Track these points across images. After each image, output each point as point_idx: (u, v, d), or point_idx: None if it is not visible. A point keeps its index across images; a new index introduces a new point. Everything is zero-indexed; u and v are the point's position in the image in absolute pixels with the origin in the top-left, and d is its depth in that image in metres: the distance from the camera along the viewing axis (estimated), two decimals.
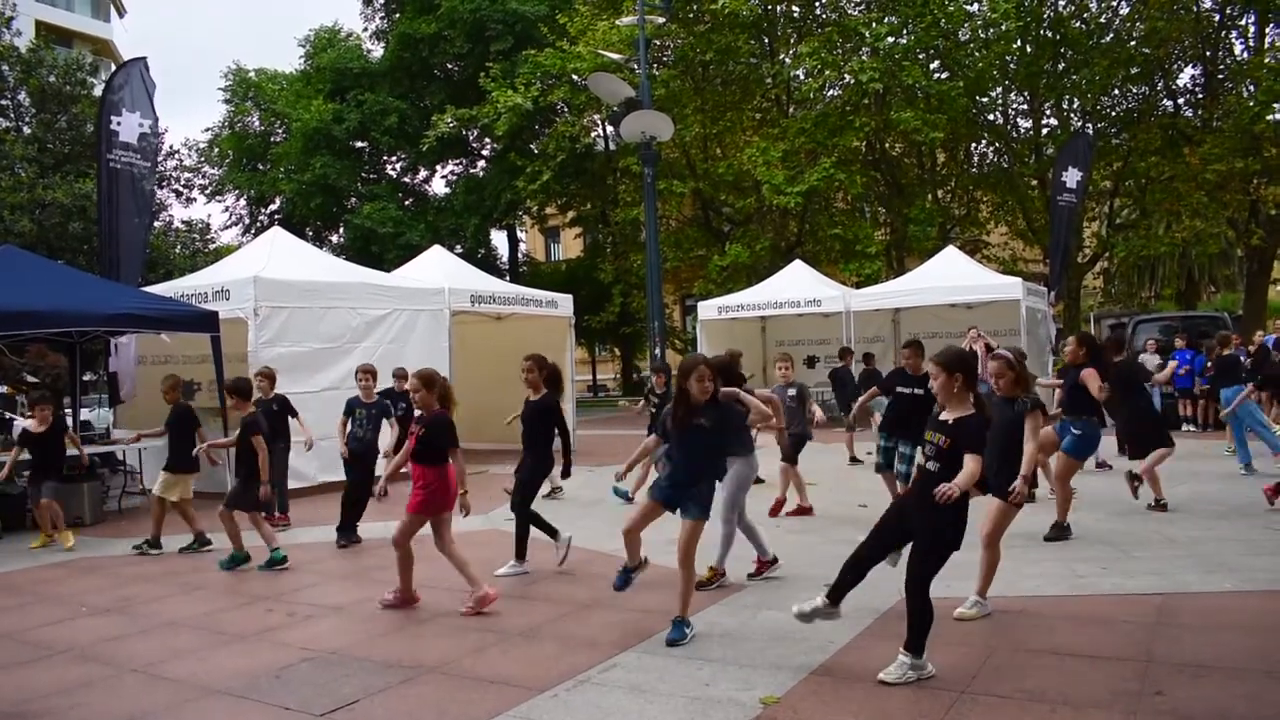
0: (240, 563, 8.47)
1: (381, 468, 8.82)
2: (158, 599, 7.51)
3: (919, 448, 5.15)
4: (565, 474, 8.16)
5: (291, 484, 11.06)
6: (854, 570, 5.15)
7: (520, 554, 7.80)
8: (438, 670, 5.40)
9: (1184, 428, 16.82)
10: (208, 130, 40.46)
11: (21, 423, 12.16)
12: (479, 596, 6.58)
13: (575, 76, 28.85)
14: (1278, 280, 42.69)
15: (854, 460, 13.68)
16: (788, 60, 28.72)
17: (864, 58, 26.15)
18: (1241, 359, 13.78)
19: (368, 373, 9.96)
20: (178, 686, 5.35)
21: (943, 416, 5.04)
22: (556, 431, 7.95)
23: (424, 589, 6.98)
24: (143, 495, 12.38)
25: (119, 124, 14.04)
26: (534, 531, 7.92)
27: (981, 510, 5.81)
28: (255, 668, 5.59)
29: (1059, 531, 8.07)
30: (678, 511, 5.80)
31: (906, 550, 5.10)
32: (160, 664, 5.78)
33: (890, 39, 26.26)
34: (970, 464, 4.80)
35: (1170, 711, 4.34)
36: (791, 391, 10.08)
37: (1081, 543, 7.91)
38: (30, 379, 16.79)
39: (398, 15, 37.61)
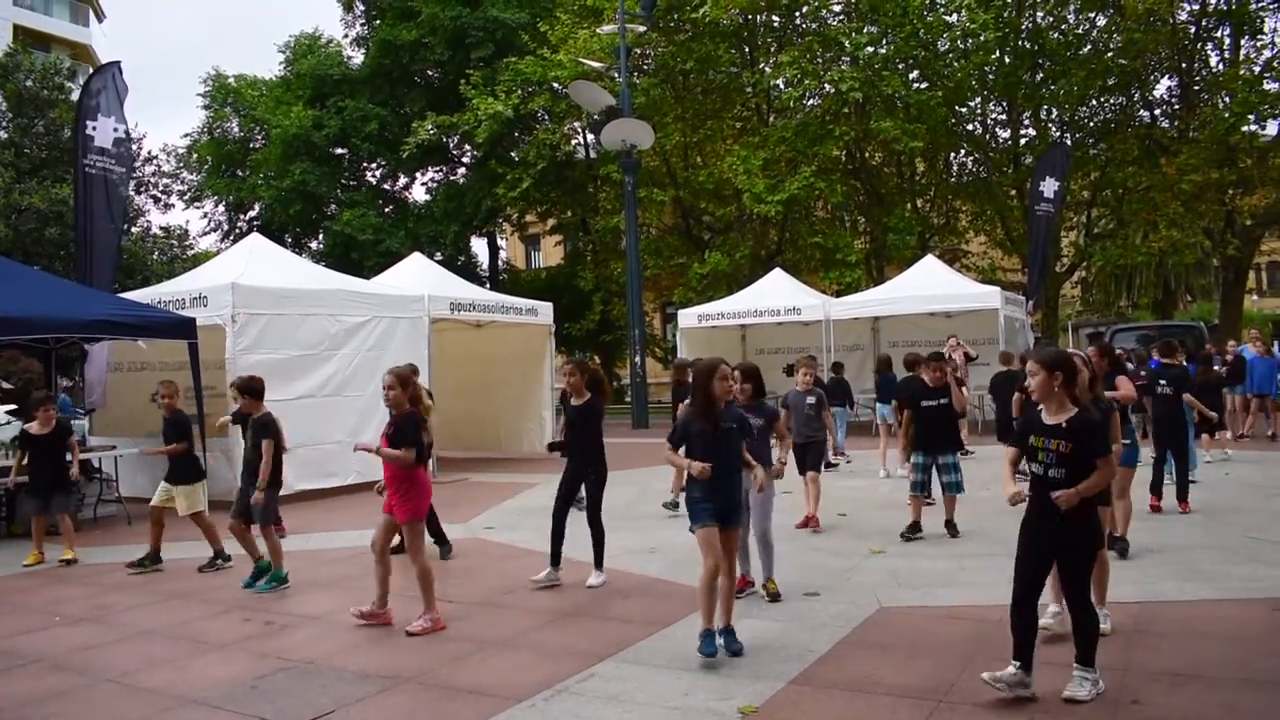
0: (280, 580, 7.95)
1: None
2: (134, 608, 7.44)
3: (1032, 461, 4.76)
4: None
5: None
6: (1022, 620, 4.71)
7: (599, 563, 7.56)
8: (415, 680, 5.37)
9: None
10: (187, 136, 40.19)
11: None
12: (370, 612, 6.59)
13: (556, 84, 28.88)
14: (1253, 290, 43.18)
15: (828, 465, 13.58)
16: (768, 69, 28.83)
17: (844, 67, 26.27)
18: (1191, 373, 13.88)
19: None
20: (153, 696, 5.30)
21: (1051, 421, 4.71)
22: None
23: (404, 598, 6.94)
24: (118, 503, 12.26)
25: (94, 129, 13.97)
26: (503, 537, 7.88)
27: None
28: (232, 677, 5.55)
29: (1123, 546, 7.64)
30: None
31: None
32: (135, 673, 5.73)
33: (870, 49, 26.39)
34: (1103, 467, 4.60)
35: (1147, 719, 4.37)
36: (811, 400, 9.83)
37: None
38: (3, 384, 16.64)
39: (378, 22, 37.51)
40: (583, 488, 7.66)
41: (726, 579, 5.54)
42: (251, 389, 8.31)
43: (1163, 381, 9.86)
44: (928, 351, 10.42)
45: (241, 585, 7.93)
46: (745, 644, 5.52)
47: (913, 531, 8.82)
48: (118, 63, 14.92)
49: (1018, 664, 4.65)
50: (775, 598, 6.63)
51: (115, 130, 14.26)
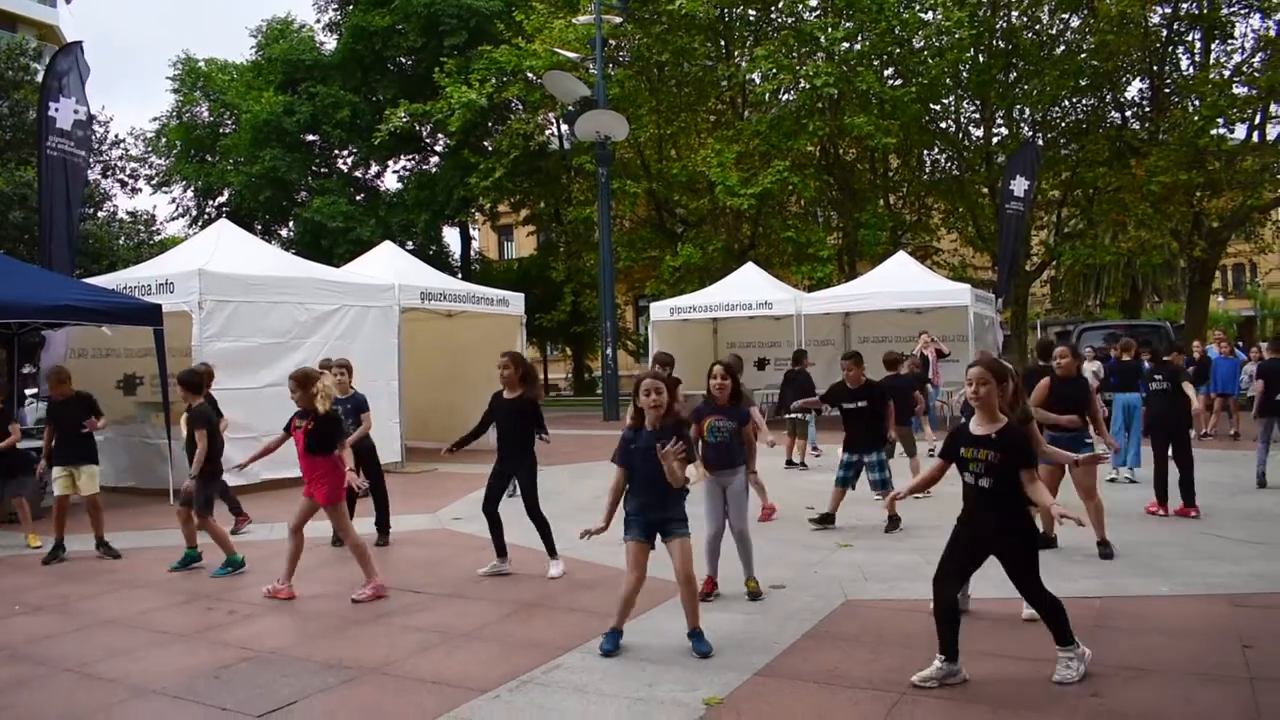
0: (236, 564, 8.02)
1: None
2: (94, 597, 7.36)
3: (963, 471, 4.88)
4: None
5: (238, 482, 10.81)
6: (948, 618, 4.87)
7: (551, 552, 7.57)
8: (379, 671, 5.34)
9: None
10: (155, 120, 39.81)
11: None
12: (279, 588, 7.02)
13: (530, 74, 28.77)
14: (1218, 291, 43.72)
15: (790, 464, 13.64)
16: (743, 63, 28.85)
17: (819, 62, 26.33)
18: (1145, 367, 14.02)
19: (343, 367, 9.58)
20: (112, 686, 5.25)
21: (980, 431, 4.83)
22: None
23: (403, 590, 6.91)
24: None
25: (56, 110, 13.77)
26: (462, 529, 7.85)
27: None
28: (193, 667, 5.49)
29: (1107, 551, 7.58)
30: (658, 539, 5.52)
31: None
32: (95, 663, 5.66)
33: (845, 44, 26.48)
34: (1034, 480, 4.72)
35: (1107, 713, 4.41)
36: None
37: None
38: None
39: (351, 7, 37.15)
40: (514, 485, 7.72)
41: (685, 588, 5.47)
42: (186, 381, 8.39)
43: (1158, 377, 9.77)
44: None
45: (169, 567, 8.14)
46: (710, 635, 5.51)
47: (823, 521, 9.05)
48: (79, 43, 14.72)
49: (942, 658, 4.80)
50: (754, 596, 6.59)
51: (76, 112, 14.08)
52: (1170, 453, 9.45)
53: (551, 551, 7.56)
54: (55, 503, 8.86)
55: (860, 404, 9.27)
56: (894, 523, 8.87)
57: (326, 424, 7.03)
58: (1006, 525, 4.78)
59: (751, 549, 6.72)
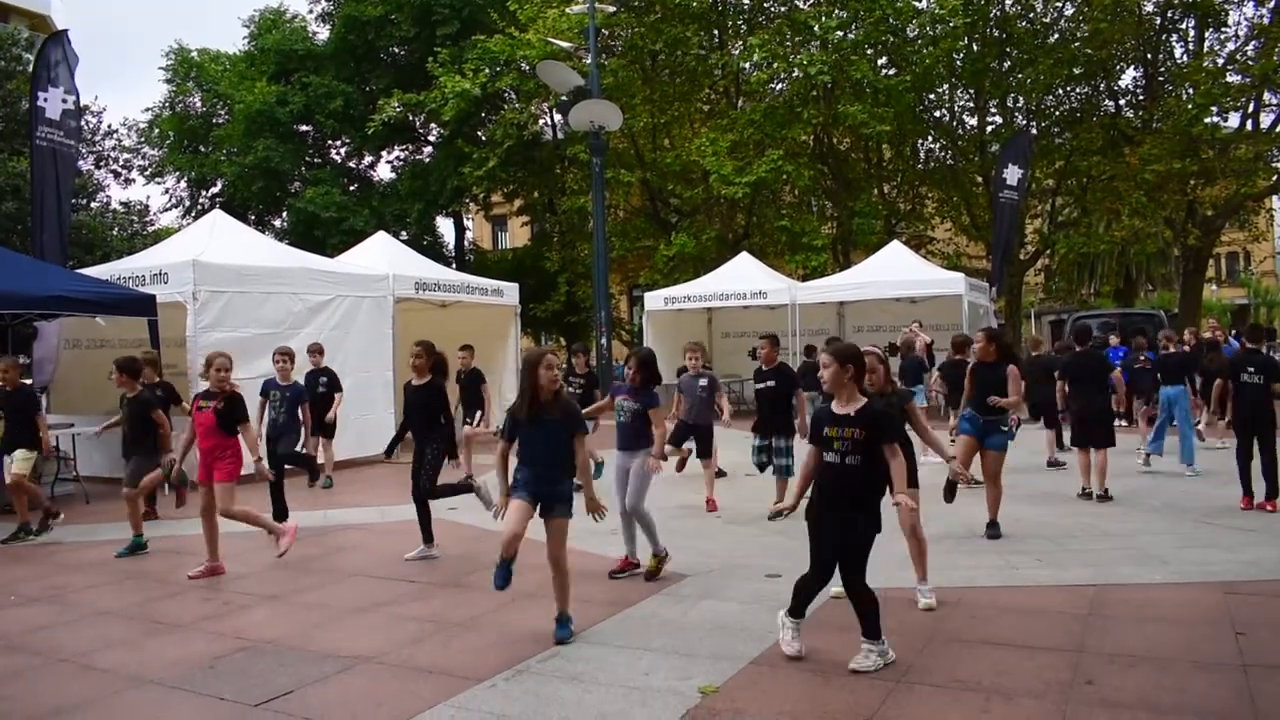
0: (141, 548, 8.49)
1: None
2: (90, 587, 7.36)
3: (828, 451, 4.95)
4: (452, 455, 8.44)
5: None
6: (804, 593, 5.16)
7: (427, 538, 7.94)
8: (375, 660, 5.35)
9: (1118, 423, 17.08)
10: (148, 110, 39.59)
11: None
12: (211, 566, 7.51)
13: (524, 64, 28.66)
14: (1212, 279, 43.80)
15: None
16: (737, 52, 28.77)
17: (813, 51, 26.27)
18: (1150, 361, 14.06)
19: (285, 354, 10.03)
20: (109, 677, 5.25)
21: (841, 411, 4.96)
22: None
23: (361, 578, 6.92)
24: (75, 482, 12.11)
25: (45, 100, 13.73)
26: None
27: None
28: (189, 658, 5.50)
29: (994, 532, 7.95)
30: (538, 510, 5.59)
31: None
32: (91, 654, 5.66)
33: (839, 33, 26.41)
34: (898, 454, 4.96)
35: (1100, 701, 4.43)
36: (703, 382, 9.77)
37: (1017, 536, 8.02)
38: None
39: None
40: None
41: (556, 571, 5.62)
42: (126, 367, 8.82)
43: (1250, 369, 9.26)
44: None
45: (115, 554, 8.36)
46: (706, 624, 5.53)
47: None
48: (66, 31, 14.66)
49: (790, 614, 5.16)
50: (651, 576, 6.79)
51: (64, 102, 14.03)
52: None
53: (427, 538, 7.94)
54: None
55: (769, 384, 9.29)
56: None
57: (233, 403, 7.50)
58: (860, 503, 4.91)
59: (651, 524, 6.86)
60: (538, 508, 5.55)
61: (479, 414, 11.64)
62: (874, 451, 4.87)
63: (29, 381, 12.22)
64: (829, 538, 4.98)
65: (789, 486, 9.06)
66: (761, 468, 9.33)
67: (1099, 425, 9.81)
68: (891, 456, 4.92)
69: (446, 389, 8.15)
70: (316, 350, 12.30)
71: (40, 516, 9.40)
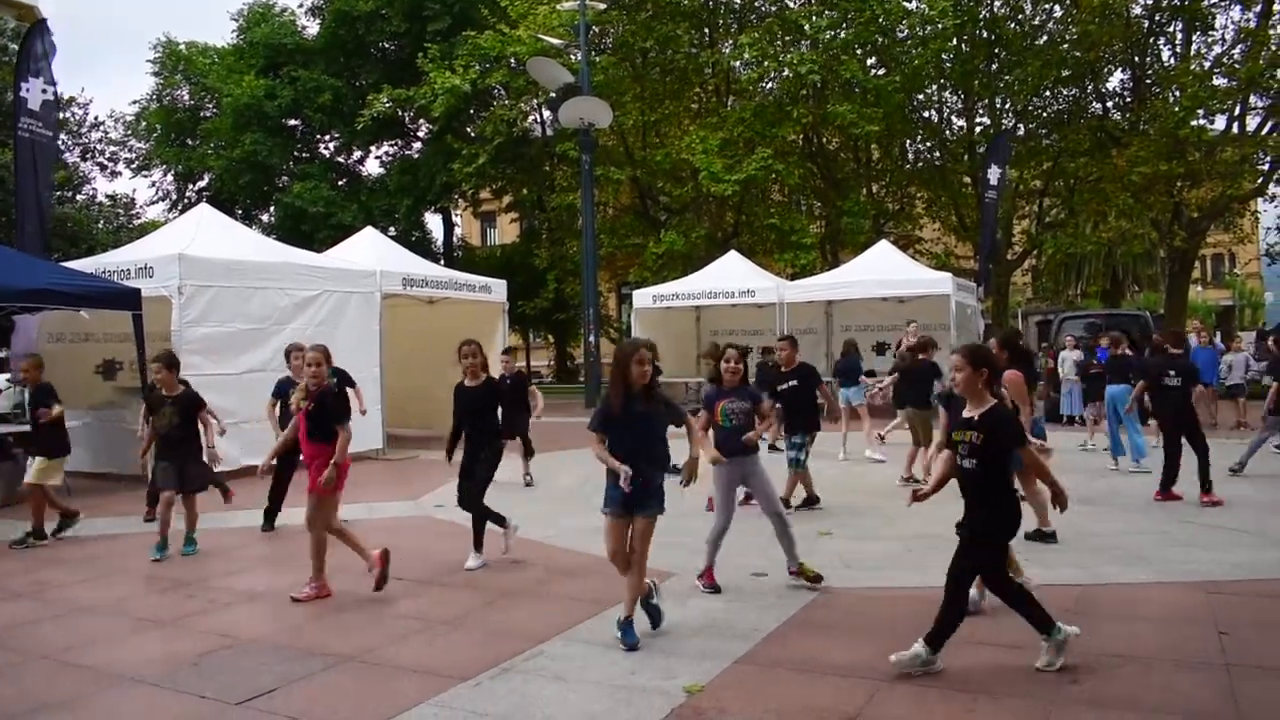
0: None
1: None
2: (73, 584, 7.31)
3: (951, 449, 4.98)
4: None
5: (216, 468, 10.77)
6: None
7: (478, 545, 7.53)
8: (358, 659, 5.32)
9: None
10: (135, 103, 39.32)
11: None
12: (316, 587, 6.61)
13: (514, 60, 28.63)
14: (1198, 281, 43.99)
15: (773, 448, 13.62)
16: (728, 51, 28.79)
17: (803, 50, 26.30)
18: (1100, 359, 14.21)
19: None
20: (90, 674, 5.21)
21: (968, 413, 4.91)
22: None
23: (346, 576, 6.87)
24: None
25: (28, 90, 13.66)
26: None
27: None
28: (172, 655, 5.46)
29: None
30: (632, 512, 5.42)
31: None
32: (72, 651, 5.62)
33: (829, 33, 26.46)
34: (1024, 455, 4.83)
35: (1085, 700, 4.44)
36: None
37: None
38: None
39: None
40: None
41: (632, 572, 5.42)
42: (170, 364, 8.37)
43: (1171, 373, 9.62)
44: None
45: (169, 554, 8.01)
46: (692, 622, 5.51)
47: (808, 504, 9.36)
48: (43, 20, 14.58)
49: (928, 647, 4.81)
50: (816, 579, 6.50)
51: (45, 92, 13.96)
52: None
53: (478, 546, 7.52)
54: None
55: (792, 384, 9.34)
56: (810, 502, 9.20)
57: (326, 402, 6.70)
58: (980, 505, 4.82)
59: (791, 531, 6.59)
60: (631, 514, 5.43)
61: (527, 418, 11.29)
62: (994, 457, 4.74)
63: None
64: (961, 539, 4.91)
65: (799, 480, 9.17)
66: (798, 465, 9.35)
67: None
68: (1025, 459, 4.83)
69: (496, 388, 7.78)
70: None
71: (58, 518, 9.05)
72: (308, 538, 6.57)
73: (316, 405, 6.60)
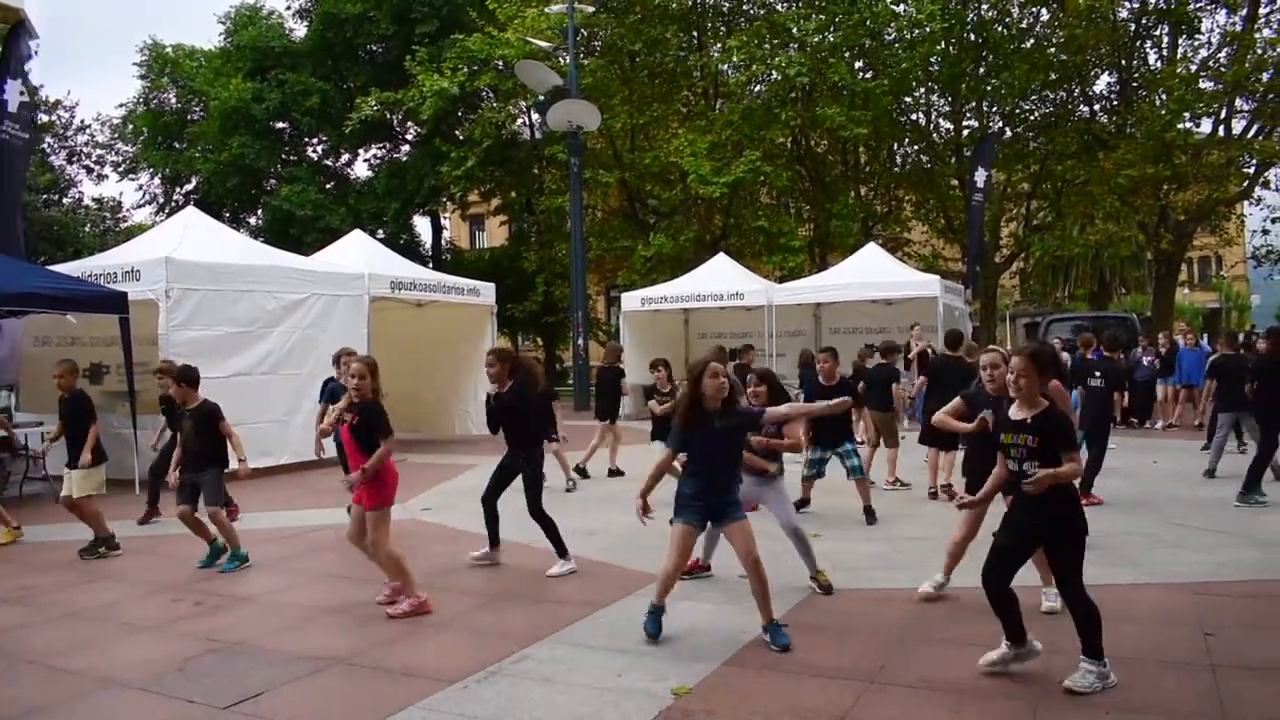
0: (242, 559, 7.80)
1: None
2: (60, 588, 7.27)
3: (1006, 457, 4.88)
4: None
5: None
6: (1005, 604, 4.82)
7: (561, 551, 7.33)
8: (346, 662, 5.31)
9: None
10: (121, 106, 39.11)
11: None
12: (414, 604, 6.23)
13: (503, 63, 28.60)
14: (1184, 283, 44.20)
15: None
16: (716, 54, 28.83)
17: (792, 53, 26.35)
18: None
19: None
20: (77, 679, 5.19)
21: (1018, 416, 4.79)
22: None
23: (334, 579, 6.87)
24: (44, 481, 11.96)
25: (7, 93, 13.64)
26: (443, 522, 7.82)
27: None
28: (159, 659, 5.44)
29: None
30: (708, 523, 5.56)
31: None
32: (59, 655, 5.60)
33: (818, 36, 26.51)
34: (1071, 460, 4.65)
35: (1071, 701, 4.47)
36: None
37: (988, 538, 8.02)
38: None
39: None
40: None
41: (755, 575, 5.39)
42: (187, 377, 8.08)
43: (1097, 374, 10.00)
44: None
45: (197, 565, 7.75)
46: (678, 625, 5.52)
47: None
48: (22, 22, 14.53)
49: (1008, 644, 4.82)
50: (828, 589, 6.49)
51: (21, 94, 13.92)
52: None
53: (561, 552, 7.32)
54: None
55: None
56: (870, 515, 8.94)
57: (369, 415, 6.38)
58: (1047, 513, 4.69)
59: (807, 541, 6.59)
60: (705, 526, 5.53)
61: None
62: (1054, 458, 4.63)
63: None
64: (1004, 544, 4.89)
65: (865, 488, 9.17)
66: (812, 478, 9.31)
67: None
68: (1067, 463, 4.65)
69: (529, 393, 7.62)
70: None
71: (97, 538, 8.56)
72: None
73: (360, 418, 6.33)
